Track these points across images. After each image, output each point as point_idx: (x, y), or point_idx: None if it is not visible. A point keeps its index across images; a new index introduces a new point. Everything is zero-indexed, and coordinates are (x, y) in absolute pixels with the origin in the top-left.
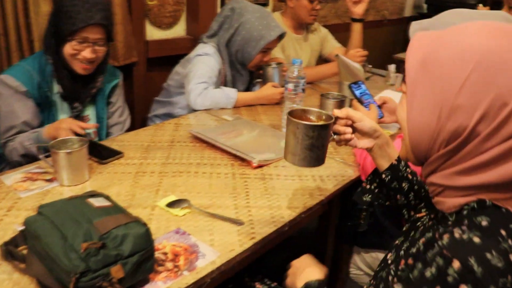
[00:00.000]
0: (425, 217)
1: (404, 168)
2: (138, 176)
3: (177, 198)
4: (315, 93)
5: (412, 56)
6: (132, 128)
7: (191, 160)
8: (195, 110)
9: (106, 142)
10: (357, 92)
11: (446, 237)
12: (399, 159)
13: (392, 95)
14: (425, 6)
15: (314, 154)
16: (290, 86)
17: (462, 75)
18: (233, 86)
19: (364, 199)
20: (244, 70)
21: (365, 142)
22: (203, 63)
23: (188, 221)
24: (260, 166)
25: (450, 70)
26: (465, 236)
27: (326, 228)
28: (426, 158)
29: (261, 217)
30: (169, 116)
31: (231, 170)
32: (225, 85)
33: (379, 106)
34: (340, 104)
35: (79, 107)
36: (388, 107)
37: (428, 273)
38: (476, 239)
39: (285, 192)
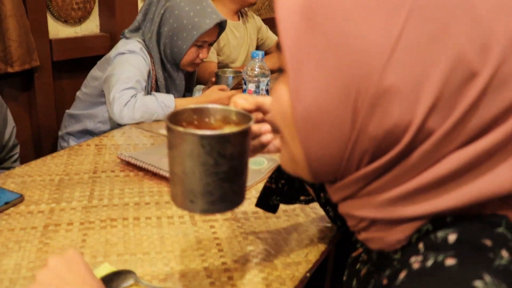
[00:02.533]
0: (362, 254)
1: None
2: (48, 232)
3: (114, 269)
4: None
5: (284, 5)
6: (39, 152)
7: (126, 199)
8: (120, 125)
9: None
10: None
11: (402, 275)
12: None
13: None
14: None
15: (237, 185)
16: (251, 87)
17: (390, 32)
18: (167, 92)
19: (272, 203)
20: (178, 72)
21: None
22: (128, 63)
23: None
24: None
25: (363, 25)
26: (429, 263)
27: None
28: (334, 179)
29: (252, 286)
30: (87, 133)
31: None
32: (157, 90)
33: None
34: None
35: None
36: None
37: None
38: (450, 261)
39: (273, 238)
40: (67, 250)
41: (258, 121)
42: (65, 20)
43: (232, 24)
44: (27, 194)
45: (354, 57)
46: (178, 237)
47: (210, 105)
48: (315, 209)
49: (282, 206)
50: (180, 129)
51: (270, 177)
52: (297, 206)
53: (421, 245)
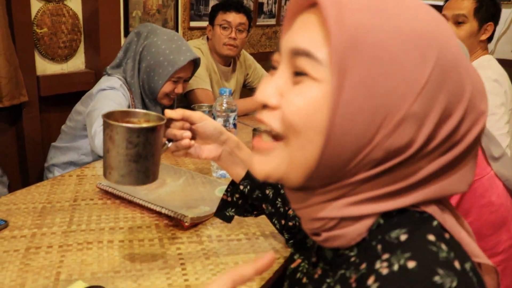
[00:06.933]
0: (302, 264)
1: None
2: (29, 254)
3: (87, 285)
4: (245, 128)
5: (337, 22)
6: (25, 182)
7: (102, 224)
8: (102, 157)
9: None
10: None
11: (372, 280)
12: None
13: None
14: None
15: (142, 167)
16: (219, 121)
17: (423, 75)
18: None
19: (228, 214)
20: (156, 106)
21: (210, 150)
22: (109, 99)
23: None
24: (193, 225)
25: (406, 67)
26: (395, 267)
27: None
28: (326, 182)
29: None
30: (72, 164)
31: (156, 234)
32: None
33: None
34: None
35: None
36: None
37: None
38: (411, 264)
39: (233, 259)
40: None
41: (184, 129)
42: (52, 57)
43: (221, 71)
44: (11, 221)
45: (392, 89)
46: (147, 257)
47: (136, 110)
48: (274, 232)
49: (244, 230)
50: (106, 119)
51: (226, 190)
52: (257, 230)
53: (379, 247)
